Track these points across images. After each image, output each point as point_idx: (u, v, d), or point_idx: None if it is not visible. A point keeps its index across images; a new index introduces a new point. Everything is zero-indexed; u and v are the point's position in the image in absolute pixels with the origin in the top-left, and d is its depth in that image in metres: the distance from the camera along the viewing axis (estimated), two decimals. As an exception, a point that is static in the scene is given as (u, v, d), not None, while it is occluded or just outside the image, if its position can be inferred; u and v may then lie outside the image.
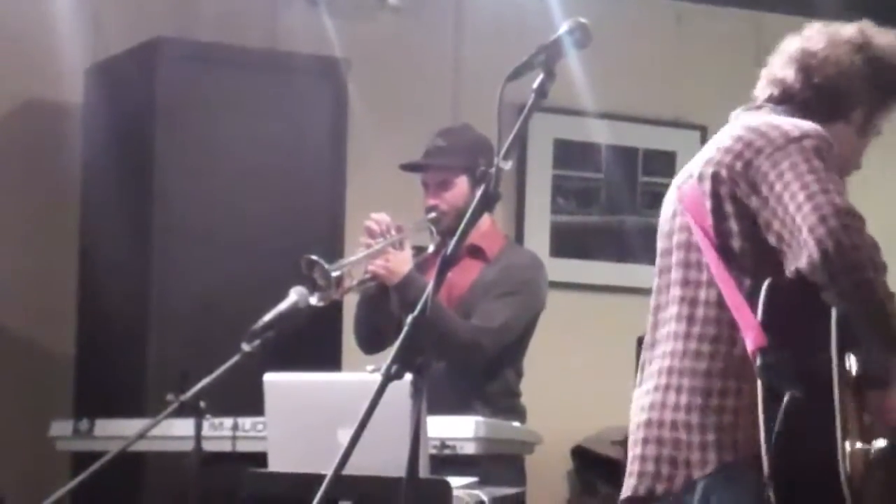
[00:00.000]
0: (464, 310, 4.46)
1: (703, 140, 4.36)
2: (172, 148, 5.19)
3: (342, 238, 5.29)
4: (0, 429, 5.49)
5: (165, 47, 5.24)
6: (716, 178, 2.82)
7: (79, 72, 5.56)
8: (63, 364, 5.55)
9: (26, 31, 5.61)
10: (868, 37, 2.99)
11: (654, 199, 4.28)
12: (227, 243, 5.18)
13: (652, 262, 3.02)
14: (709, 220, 2.81)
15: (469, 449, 4.10)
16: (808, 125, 2.83)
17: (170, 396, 3.84)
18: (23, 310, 5.65)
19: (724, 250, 2.79)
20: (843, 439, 2.62)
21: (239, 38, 5.65)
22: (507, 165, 2.53)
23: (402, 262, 4.44)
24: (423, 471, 3.49)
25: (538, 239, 6.38)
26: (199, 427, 3.85)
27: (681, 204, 2.90)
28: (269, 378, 3.75)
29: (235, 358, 3.87)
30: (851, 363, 2.69)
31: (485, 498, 3.69)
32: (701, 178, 2.85)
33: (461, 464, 4.02)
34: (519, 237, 6.28)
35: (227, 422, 4.43)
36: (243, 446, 4.39)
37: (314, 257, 4.28)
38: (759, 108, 2.99)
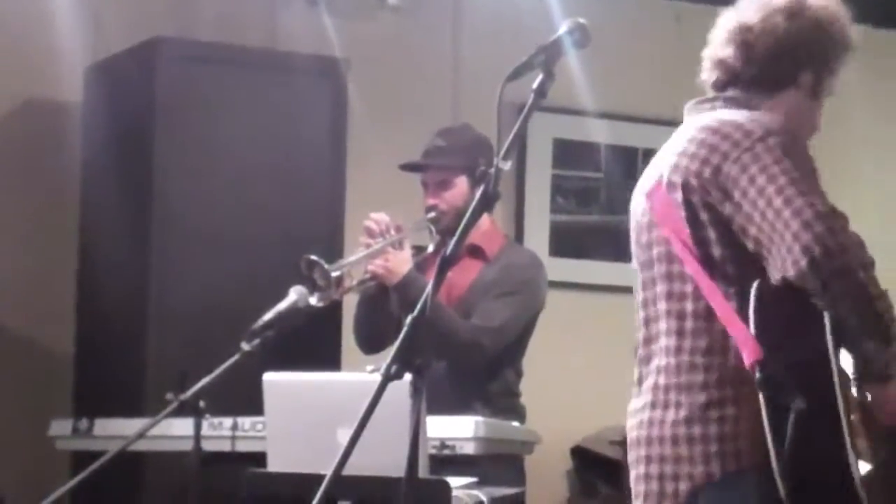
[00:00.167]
0: (464, 309, 4.46)
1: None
2: (172, 147, 5.19)
3: (342, 238, 5.29)
4: (0, 428, 5.49)
5: (165, 47, 5.24)
6: (686, 187, 2.79)
7: (78, 71, 5.56)
8: (62, 363, 5.56)
9: (26, 30, 5.61)
10: (801, 1, 2.95)
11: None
12: (226, 243, 5.18)
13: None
14: (686, 231, 2.78)
15: (468, 449, 4.10)
16: (767, 120, 2.80)
17: (169, 396, 3.84)
18: (22, 309, 5.65)
19: (705, 260, 2.76)
20: (851, 438, 2.61)
21: (238, 37, 5.65)
22: (507, 165, 2.53)
23: (401, 262, 4.44)
24: (423, 471, 3.49)
25: (538, 238, 6.38)
26: (198, 427, 3.85)
27: (654, 214, 2.88)
28: (269, 378, 3.75)
29: (235, 357, 3.87)
30: (847, 360, 2.69)
31: (484, 498, 3.69)
32: (670, 187, 2.82)
33: (461, 464, 4.02)
34: (518, 237, 6.28)
35: (227, 421, 4.43)
36: (243, 446, 4.39)
37: (314, 257, 4.28)
38: (712, 101, 2.96)
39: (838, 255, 2.60)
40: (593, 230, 6.60)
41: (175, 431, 4.32)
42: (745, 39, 2.94)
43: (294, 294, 4.06)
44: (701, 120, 2.89)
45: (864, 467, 2.63)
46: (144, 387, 5.00)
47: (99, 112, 5.45)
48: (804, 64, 2.94)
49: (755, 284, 2.68)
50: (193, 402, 3.82)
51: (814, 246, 2.60)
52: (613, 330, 5.75)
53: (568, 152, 6.55)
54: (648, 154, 2.94)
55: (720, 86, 2.99)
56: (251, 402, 3.89)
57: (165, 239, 5.13)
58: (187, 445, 3.90)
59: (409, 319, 2.43)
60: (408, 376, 2.40)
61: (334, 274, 4.29)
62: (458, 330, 4.39)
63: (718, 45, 2.99)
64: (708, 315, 2.77)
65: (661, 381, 2.82)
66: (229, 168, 5.24)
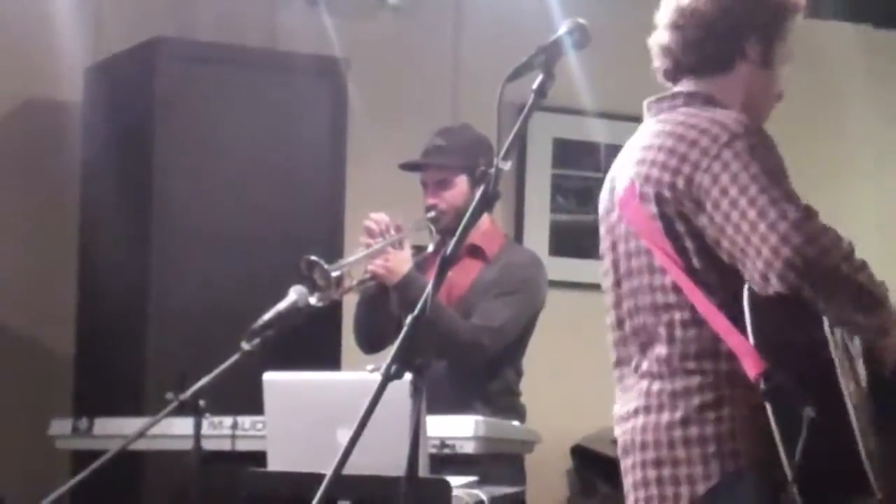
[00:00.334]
0: (464, 309, 4.46)
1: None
2: (172, 147, 5.19)
3: (342, 238, 5.29)
4: (0, 427, 5.49)
5: (165, 47, 5.24)
6: (659, 199, 2.76)
7: (78, 71, 5.56)
8: (62, 363, 5.56)
9: (26, 30, 5.61)
10: None
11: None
12: (226, 242, 5.18)
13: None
14: (668, 243, 2.75)
15: (469, 448, 4.10)
16: (732, 121, 2.74)
17: (169, 395, 3.85)
18: (22, 308, 5.65)
19: (690, 271, 2.74)
20: (858, 423, 2.62)
21: (238, 37, 5.65)
22: (507, 165, 2.53)
23: (401, 262, 4.44)
24: (423, 470, 3.50)
25: (538, 238, 6.38)
26: (198, 426, 3.85)
27: (631, 225, 2.85)
28: (269, 377, 3.75)
29: (235, 357, 3.88)
30: (849, 341, 2.70)
31: (484, 497, 3.70)
32: (643, 199, 2.79)
33: (461, 463, 4.02)
34: (518, 236, 6.28)
35: (227, 421, 4.43)
36: (243, 445, 4.39)
37: (314, 258, 4.29)
38: (671, 99, 2.92)
39: (822, 258, 2.59)
40: (593, 230, 6.45)
41: (175, 431, 4.32)
42: (680, 25, 2.90)
43: (294, 294, 4.06)
44: (665, 123, 2.85)
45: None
46: (144, 386, 5.00)
47: (99, 112, 5.45)
48: (746, 35, 2.87)
49: (745, 294, 2.67)
50: (193, 402, 3.82)
51: (796, 259, 2.58)
52: (613, 329, 5.75)
53: (568, 152, 6.55)
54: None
55: (670, 75, 2.95)
56: (251, 402, 3.89)
57: (165, 238, 5.14)
58: (187, 445, 3.90)
59: (409, 319, 2.43)
60: (408, 376, 2.41)
61: (334, 274, 4.29)
62: (458, 330, 4.39)
63: (661, 29, 2.95)
64: (696, 322, 2.75)
65: (655, 387, 2.80)
66: (229, 167, 5.25)
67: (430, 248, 4.57)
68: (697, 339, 2.75)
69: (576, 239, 6.56)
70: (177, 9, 5.80)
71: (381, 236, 4.46)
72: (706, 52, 2.89)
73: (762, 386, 2.63)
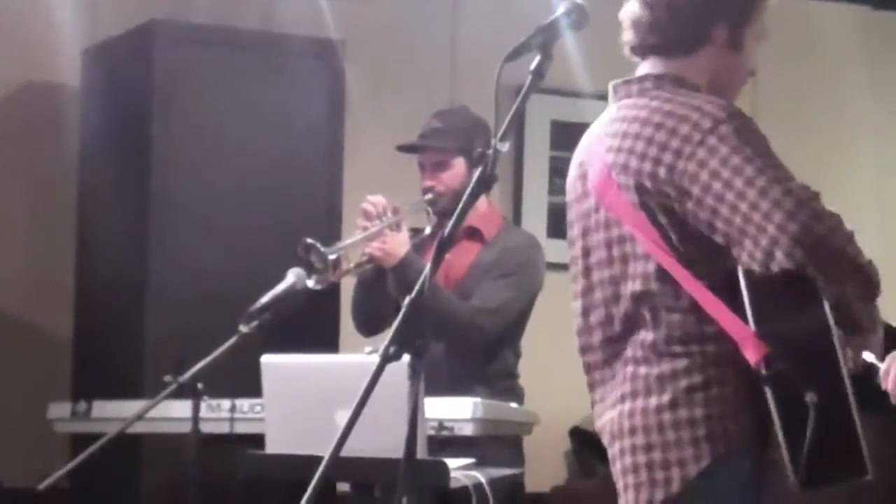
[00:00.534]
0: (462, 291, 4.46)
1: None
2: (169, 130, 5.19)
3: (339, 220, 5.29)
4: (-1, 411, 5.51)
5: (161, 30, 5.24)
6: (640, 189, 2.73)
7: (76, 54, 5.56)
8: (61, 346, 5.56)
9: (23, 13, 5.61)
10: None
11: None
12: (223, 225, 5.18)
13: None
14: (653, 231, 2.73)
15: (467, 430, 4.10)
16: (711, 107, 2.71)
17: (167, 378, 3.85)
18: (21, 292, 5.65)
19: (678, 257, 2.71)
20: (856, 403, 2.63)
21: (235, 19, 5.64)
22: (505, 147, 2.52)
23: (399, 244, 4.44)
24: (421, 452, 3.51)
25: (536, 220, 6.39)
26: (196, 408, 3.86)
27: (611, 212, 2.81)
28: (267, 360, 3.75)
29: (233, 339, 3.88)
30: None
31: (483, 479, 3.70)
32: (623, 188, 2.76)
33: (459, 445, 4.02)
34: (516, 218, 6.28)
35: (225, 403, 4.43)
36: (241, 428, 4.39)
37: (311, 241, 4.28)
38: (640, 81, 2.89)
39: (828, 238, 2.59)
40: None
41: (173, 413, 4.32)
42: (648, 1, 2.85)
43: (292, 276, 4.06)
44: (638, 108, 2.82)
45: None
46: (143, 369, 5.01)
47: (96, 94, 5.45)
48: (712, 20, 2.83)
49: (742, 275, 2.66)
50: (192, 384, 3.83)
51: (802, 235, 2.58)
52: (611, 311, 5.76)
53: (566, 134, 6.54)
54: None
55: (637, 51, 2.90)
56: (250, 384, 3.90)
57: (163, 221, 5.14)
58: (186, 427, 3.90)
59: (406, 301, 2.43)
60: (406, 358, 2.40)
61: (331, 257, 4.29)
62: (456, 311, 4.39)
63: (632, 2, 2.90)
64: (680, 307, 2.72)
65: (641, 371, 2.77)
66: (226, 150, 5.24)
67: (428, 231, 4.57)
68: (682, 323, 2.73)
69: (574, 221, 6.56)
70: (173, -9, 5.79)
71: (378, 219, 4.45)
72: (672, 34, 2.85)
73: (763, 371, 2.62)
